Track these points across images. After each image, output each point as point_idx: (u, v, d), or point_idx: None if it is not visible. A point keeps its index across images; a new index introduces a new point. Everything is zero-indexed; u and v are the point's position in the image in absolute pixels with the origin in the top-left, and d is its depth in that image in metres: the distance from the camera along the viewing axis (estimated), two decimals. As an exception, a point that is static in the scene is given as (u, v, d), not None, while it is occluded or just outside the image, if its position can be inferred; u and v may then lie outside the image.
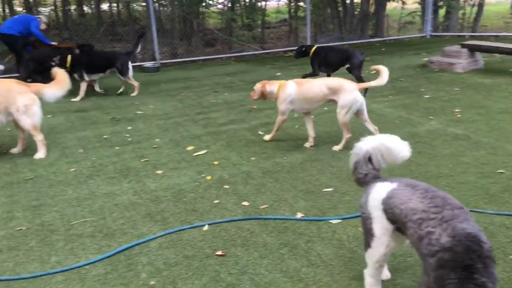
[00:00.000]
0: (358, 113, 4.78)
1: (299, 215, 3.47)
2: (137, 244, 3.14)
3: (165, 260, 2.95)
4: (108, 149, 5.09)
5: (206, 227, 3.35)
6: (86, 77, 7.65)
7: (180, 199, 3.81)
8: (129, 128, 5.84)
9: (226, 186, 4.01)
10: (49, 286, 2.73)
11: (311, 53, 7.73)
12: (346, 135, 4.78)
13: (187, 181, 4.15)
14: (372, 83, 4.73)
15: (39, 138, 4.86)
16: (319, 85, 4.76)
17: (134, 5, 13.40)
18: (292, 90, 4.84)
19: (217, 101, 7.13)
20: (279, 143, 5.06)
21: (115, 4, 15.54)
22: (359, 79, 6.84)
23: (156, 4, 12.91)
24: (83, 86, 7.63)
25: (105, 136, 5.53)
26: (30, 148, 5.06)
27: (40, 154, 4.87)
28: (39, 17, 8.93)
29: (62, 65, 7.01)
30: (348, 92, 4.66)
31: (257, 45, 13.19)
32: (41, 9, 14.27)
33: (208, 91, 7.90)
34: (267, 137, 5.22)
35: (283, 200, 3.73)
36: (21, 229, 3.40)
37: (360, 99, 4.72)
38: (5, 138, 5.50)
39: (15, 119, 4.77)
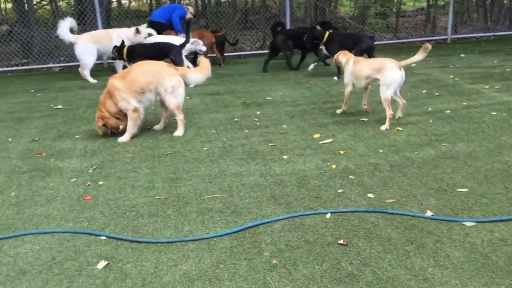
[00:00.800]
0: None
1: (428, 213, 3.30)
2: (261, 224, 3.26)
3: (287, 242, 3.02)
4: (238, 131, 5.33)
5: (328, 215, 3.35)
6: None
7: (304, 185, 3.85)
8: (258, 112, 6.04)
9: (351, 177, 3.96)
10: (182, 252, 2.96)
11: (325, 38, 7.96)
12: (389, 113, 5.10)
13: (312, 168, 4.18)
14: (409, 61, 5.05)
15: (180, 117, 5.28)
16: (365, 65, 5.28)
17: (269, -6, 13.71)
18: (350, 65, 5.44)
19: (346, 90, 7.02)
20: (410, 137, 4.83)
21: (251, -7, 16.06)
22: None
23: (290, -8, 13.05)
24: None
25: (235, 119, 5.80)
26: (170, 126, 5.51)
27: (179, 132, 5.28)
28: (187, 8, 9.61)
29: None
30: (389, 70, 5.04)
31: (390, 34, 12.67)
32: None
33: (337, 80, 7.81)
34: (338, 110, 5.82)
35: (411, 196, 3.58)
36: (160, 198, 3.73)
37: (400, 77, 5.05)
38: (150, 116, 6.06)
39: (161, 99, 5.23)
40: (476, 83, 7.01)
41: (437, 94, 6.49)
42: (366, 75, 5.25)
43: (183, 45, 7.78)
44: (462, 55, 9.43)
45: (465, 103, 5.95)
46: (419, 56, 4.95)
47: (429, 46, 4.92)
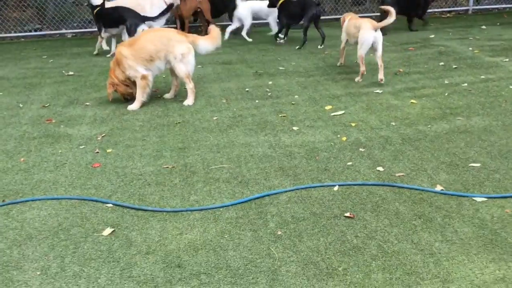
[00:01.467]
0: (373, 49, 5.60)
1: (438, 188, 3.24)
2: (268, 195, 3.24)
3: (293, 214, 3.00)
4: (249, 101, 5.26)
5: (336, 188, 3.31)
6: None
7: (313, 157, 3.81)
8: (270, 83, 5.95)
9: (361, 149, 3.90)
10: (187, 221, 2.96)
11: (278, 5, 8.04)
12: (362, 69, 5.70)
13: (322, 140, 4.12)
14: (383, 23, 5.53)
15: (190, 86, 5.22)
16: (352, 23, 5.86)
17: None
18: (346, 23, 6.07)
19: (361, 61, 6.86)
20: (424, 110, 4.72)
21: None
22: (306, 29, 7.79)
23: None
24: None
25: (247, 89, 5.72)
26: (180, 95, 5.46)
27: (189, 101, 5.23)
28: None
29: None
30: (363, 30, 5.54)
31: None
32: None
33: (352, 51, 7.63)
34: (338, 63, 6.57)
35: (422, 170, 3.51)
36: (168, 167, 3.72)
37: (373, 37, 5.50)
38: (160, 84, 6.01)
39: (171, 67, 5.16)
40: (496, 56, 6.78)
41: (454, 66, 6.31)
42: (352, 32, 5.85)
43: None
44: (483, 27, 9.12)
45: (483, 76, 5.78)
46: (391, 18, 5.42)
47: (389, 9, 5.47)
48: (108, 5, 7.71)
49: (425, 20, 9.18)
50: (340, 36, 6.35)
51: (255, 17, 8.97)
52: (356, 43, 5.74)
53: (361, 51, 5.59)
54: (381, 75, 5.60)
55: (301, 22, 8.00)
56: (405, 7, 8.61)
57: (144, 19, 7.24)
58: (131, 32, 7.05)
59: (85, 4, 10.90)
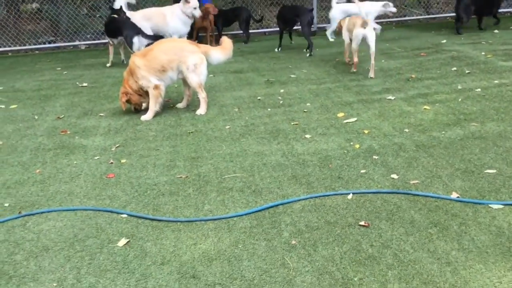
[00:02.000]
0: (366, 45, 6.16)
1: (454, 195, 3.20)
2: (281, 204, 3.24)
3: (307, 223, 2.99)
4: (261, 110, 5.27)
5: (350, 196, 3.29)
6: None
7: (326, 165, 3.79)
8: (282, 91, 5.96)
9: (375, 157, 3.88)
10: (201, 231, 2.97)
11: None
12: (355, 60, 6.40)
13: (335, 148, 4.11)
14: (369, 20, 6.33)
15: (202, 95, 5.25)
16: (352, 21, 6.38)
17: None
18: (347, 22, 6.57)
19: (373, 68, 6.84)
20: (438, 116, 4.69)
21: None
22: (307, 36, 7.99)
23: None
24: None
25: (259, 97, 5.73)
26: (193, 104, 5.49)
27: (201, 110, 5.26)
28: None
29: None
30: (356, 27, 6.17)
31: (421, 9, 12.25)
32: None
33: (364, 57, 7.62)
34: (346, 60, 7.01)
35: (436, 177, 3.48)
36: (181, 177, 3.74)
37: (361, 34, 6.11)
38: (173, 94, 6.06)
39: (184, 77, 5.20)
40: (509, 60, 6.71)
41: (467, 71, 6.26)
42: (351, 29, 6.37)
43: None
44: (496, 31, 9.05)
45: (496, 81, 5.72)
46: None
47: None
48: (128, 14, 7.92)
49: (498, 19, 9.30)
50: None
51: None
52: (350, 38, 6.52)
53: (354, 45, 6.30)
54: (371, 74, 6.27)
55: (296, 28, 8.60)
56: (481, 6, 8.92)
57: (139, 31, 7.37)
58: (128, 44, 7.27)
59: (98, 15, 11.05)
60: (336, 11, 9.04)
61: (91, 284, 2.53)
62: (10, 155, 4.35)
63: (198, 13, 8.10)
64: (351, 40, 6.45)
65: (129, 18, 7.71)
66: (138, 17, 8.23)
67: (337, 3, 9.09)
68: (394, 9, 8.93)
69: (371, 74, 6.27)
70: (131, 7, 8.58)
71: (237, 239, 2.86)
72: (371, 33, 6.11)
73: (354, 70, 6.51)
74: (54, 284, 2.53)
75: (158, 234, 2.96)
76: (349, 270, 2.53)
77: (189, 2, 8.06)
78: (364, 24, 6.13)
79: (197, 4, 8.09)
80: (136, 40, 7.23)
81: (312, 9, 8.68)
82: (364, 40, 6.19)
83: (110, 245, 2.86)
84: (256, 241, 2.84)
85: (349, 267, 2.55)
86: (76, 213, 3.27)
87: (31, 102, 6.07)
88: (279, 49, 8.59)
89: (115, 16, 7.68)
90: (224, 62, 5.50)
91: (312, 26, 8.90)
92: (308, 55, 7.97)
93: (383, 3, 8.83)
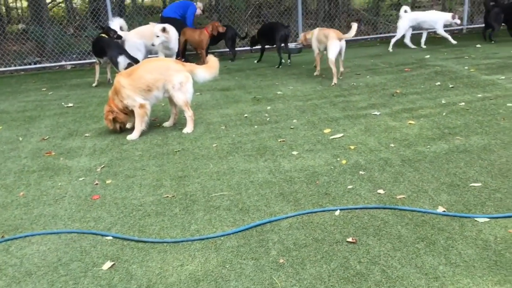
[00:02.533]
0: (339, 54, 6.93)
1: (440, 209, 3.21)
2: (269, 222, 3.22)
3: (295, 241, 2.97)
4: (248, 127, 5.28)
5: (338, 212, 3.28)
6: None
7: (313, 182, 3.79)
8: (268, 108, 5.98)
9: (361, 172, 3.89)
10: (188, 252, 2.93)
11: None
12: (333, 70, 6.92)
13: (322, 164, 4.12)
14: (347, 35, 6.81)
15: (189, 114, 5.24)
16: (322, 33, 7.12)
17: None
18: (316, 33, 7.29)
19: (358, 84, 6.92)
20: (423, 131, 4.73)
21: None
22: (279, 50, 8.59)
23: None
24: None
25: (245, 115, 5.74)
26: (180, 123, 5.48)
27: (188, 129, 5.25)
28: (196, 3, 9.57)
29: None
30: (330, 40, 6.86)
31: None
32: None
33: (349, 73, 7.70)
34: (315, 73, 7.72)
35: (422, 191, 3.49)
36: (168, 196, 3.70)
37: (339, 46, 6.83)
38: (160, 113, 6.04)
39: (170, 95, 5.20)
40: (492, 74, 6.83)
41: (451, 86, 6.35)
42: (322, 40, 7.12)
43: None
44: (478, 46, 9.22)
45: (480, 95, 5.81)
46: (352, 32, 6.64)
47: (355, 23, 6.74)
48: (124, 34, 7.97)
49: None
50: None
51: (417, 27, 9.65)
52: (325, 49, 7.10)
53: (330, 56, 6.86)
54: (335, 80, 6.96)
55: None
56: (509, 16, 9.53)
57: (124, 51, 7.43)
58: (114, 63, 7.35)
59: (84, 35, 11.05)
60: (405, 20, 9.41)
61: (75, 309, 2.47)
62: (-7, 178, 4.29)
63: (157, 41, 7.77)
64: (319, 50, 7.34)
65: (115, 38, 7.73)
66: (132, 35, 8.25)
67: (405, 12, 9.44)
68: (458, 21, 9.45)
69: (340, 76, 7.17)
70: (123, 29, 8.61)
71: (224, 259, 2.83)
72: (344, 44, 6.92)
73: (335, 82, 6.94)
74: (37, 310, 2.47)
75: (144, 256, 2.91)
76: (337, 288, 2.51)
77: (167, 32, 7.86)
78: (340, 37, 6.82)
79: (158, 32, 7.76)
80: (122, 59, 7.24)
81: (288, 26, 8.93)
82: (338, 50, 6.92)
83: (95, 269, 2.81)
84: (244, 260, 2.81)
85: (337, 284, 2.53)
86: (60, 236, 3.21)
87: (16, 123, 6.01)
88: (257, 61, 9.28)
89: (103, 35, 7.69)
90: (210, 80, 5.51)
91: (293, 43, 9.49)
92: (276, 67, 8.64)
93: (451, 14, 9.42)
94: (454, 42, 9.50)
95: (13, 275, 2.80)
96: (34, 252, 3.03)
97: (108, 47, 7.41)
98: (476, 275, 2.52)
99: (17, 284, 2.71)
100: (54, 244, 3.11)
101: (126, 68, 6.88)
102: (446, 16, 9.40)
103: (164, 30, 7.70)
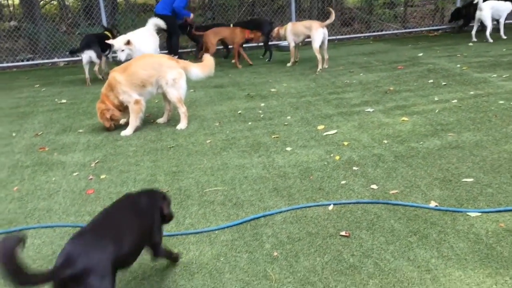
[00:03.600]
0: (321, 43, 7.67)
1: (432, 204, 3.25)
2: (263, 216, 3.24)
3: (288, 234, 3.00)
4: (242, 124, 5.29)
5: (331, 207, 3.31)
6: None
7: (307, 177, 3.82)
8: (262, 104, 6.00)
9: (354, 168, 3.92)
10: (183, 245, 2.95)
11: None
12: (319, 57, 7.67)
13: (315, 160, 4.14)
14: (327, 21, 7.58)
15: (182, 110, 5.25)
16: (302, 24, 7.87)
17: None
18: (289, 27, 8.04)
19: (352, 81, 6.96)
20: (416, 128, 4.77)
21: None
22: (266, 44, 9.20)
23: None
24: None
25: (239, 111, 5.76)
26: (173, 119, 5.49)
27: (182, 125, 5.25)
28: None
29: None
30: (315, 29, 7.59)
31: (398, 24, 12.52)
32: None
33: (342, 71, 7.74)
34: (288, 64, 8.39)
35: (415, 186, 3.52)
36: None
37: (323, 33, 7.59)
38: (153, 109, 6.04)
39: (163, 91, 5.20)
40: (484, 72, 6.90)
41: (443, 83, 6.40)
42: (301, 32, 7.77)
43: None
44: (470, 44, 9.30)
45: (472, 92, 5.86)
46: (331, 18, 7.48)
47: (331, 10, 7.61)
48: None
49: None
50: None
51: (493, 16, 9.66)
52: (304, 40, 7.87)
53: (316, 45, 7.55)
54: (323, 65, 7.74)
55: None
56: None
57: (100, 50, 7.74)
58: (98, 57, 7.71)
59: (77, 33, 11.01)
60: (487, 10, 9.41)
61: (70, 301, 2.47)
62: (-14, 173, 4.27)
63: (123, 56, 6.91)
64: (295, 43, 8.02)
65: (103, 36, 7.88)
66: (147, 34, 7.99)
67: (484, 1, 9.43)
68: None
69: (325, 66, 7.80)
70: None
71: (218, 252, 2.85)
72: (326, 33, 7.65)
73: (320, 70, 7.61)
74: (32, 303, 2.47)
75: (139, 249, 2.92)
76: (331, 280, 2.53)
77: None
78: (323, 25, 7.53)
79: (122, 46, 6.99)
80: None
81: (272, 22, 9.61)
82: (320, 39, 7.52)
83: (90, 262, 2.81)
84: (238, 253, 2.83)
85: (330, 277, 2.56)
86: (55, 229, 3.21)
87: (9, 119, 5.98)
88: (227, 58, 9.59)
89: (106, 33, 7.88)
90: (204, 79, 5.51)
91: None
92: (267, 60, 9.06)
93: None
94: (504, 36, 9.63)
95: (7, 268, 2.79)
96: (28, 246, 3.02)
97: (92, 43, 7.68)
98: (468, 268, 2.55)
99: (12, 277, 2.70)
100: (49, 238, 3.11)
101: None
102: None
103: (128, 43, 6.91)
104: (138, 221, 2.28)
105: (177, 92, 5.16)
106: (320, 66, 7.63)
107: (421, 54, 8.58)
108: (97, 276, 1.91)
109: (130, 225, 2.21)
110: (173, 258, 2.68)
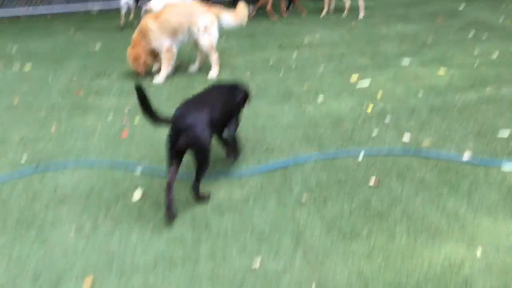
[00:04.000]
0: None
1: (465, 157, 3.20)
2: (293, 163, 3.26)
3: (317, 181, 3.02)
4: (273, 73, 5.25)
5: (361, 158, 3.30)
6: None
7: (337, 127, 3.80)
8: (294, 55, 5.91)
9: (387, 120, 3.87)
10: (213, 186, 3.02)
11: None
12: (347, 4, 8.05)
13: (347, 111, 4.10)
14: None
15: (214, 57, 5.23)
16: None
17: None
18: None
19: (388, 33, 6.75)
20: (453, 81, 4.64)
21: None
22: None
23: None
24: None
25: (271, 61, 5.70)
26: (205, 67, 5.48)
27: (213, 72, 5.26)
28: None
29: None
30: None
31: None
32: None
33: (379, 22, 7.50)
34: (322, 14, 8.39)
35: (449, 139, 3.47)
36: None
37: None
38: (185, 57, 6.04)
39: (195, 39, 5.18)
40: (529, 26, 6.57)
41: (484, 37, 6.14)
42: None
43: None
44: (516, -3, 8.81)
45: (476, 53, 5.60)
46: None
47: None
48: None
49: None
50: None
51: None
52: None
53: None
54: (358, 14, 7.93)
55: None
56: None
57: None
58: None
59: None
60: None
61: (108, 231, 2.61)
62: (25, 113, 4.42)
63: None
64: None
65: None
66: None
67: None
68: None
69: (361, 15, 7.94)
70: None
71: (248, 194, 2.91)
72: None
73: (346, 14, 7.94)
74: (72, 232, 2.62)
75: (171, 189, 3.01)
76: (358, 225, 2.57)
77: None
78: None
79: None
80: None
81: None
82: None
83: (126, 198, 2.93)
84: (267, 196, 2.88)
85: (357, 222, 2.59)
86: (91, 168, 3.34)
87: (45, 63, 6.11)
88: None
89: None
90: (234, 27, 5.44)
91: None
92: (286, 9, 8.90)
93: None
94: None
95: (48, 201, 2.94)
96: (66, 182, 3.16)
97: None
98: (497, 219, 2.54)
99: (53, 209, 2.85)
100: (86, 175, 3.24)
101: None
102: None
103: None
104: (226, 98, 3.08)
105: (209, 38, 5.13)
106: (346, 12, 7.93)
107: (462, 6, 8.20)
108: (199, 128, 2.69)
109: (220, 100, 3.00)
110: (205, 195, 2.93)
